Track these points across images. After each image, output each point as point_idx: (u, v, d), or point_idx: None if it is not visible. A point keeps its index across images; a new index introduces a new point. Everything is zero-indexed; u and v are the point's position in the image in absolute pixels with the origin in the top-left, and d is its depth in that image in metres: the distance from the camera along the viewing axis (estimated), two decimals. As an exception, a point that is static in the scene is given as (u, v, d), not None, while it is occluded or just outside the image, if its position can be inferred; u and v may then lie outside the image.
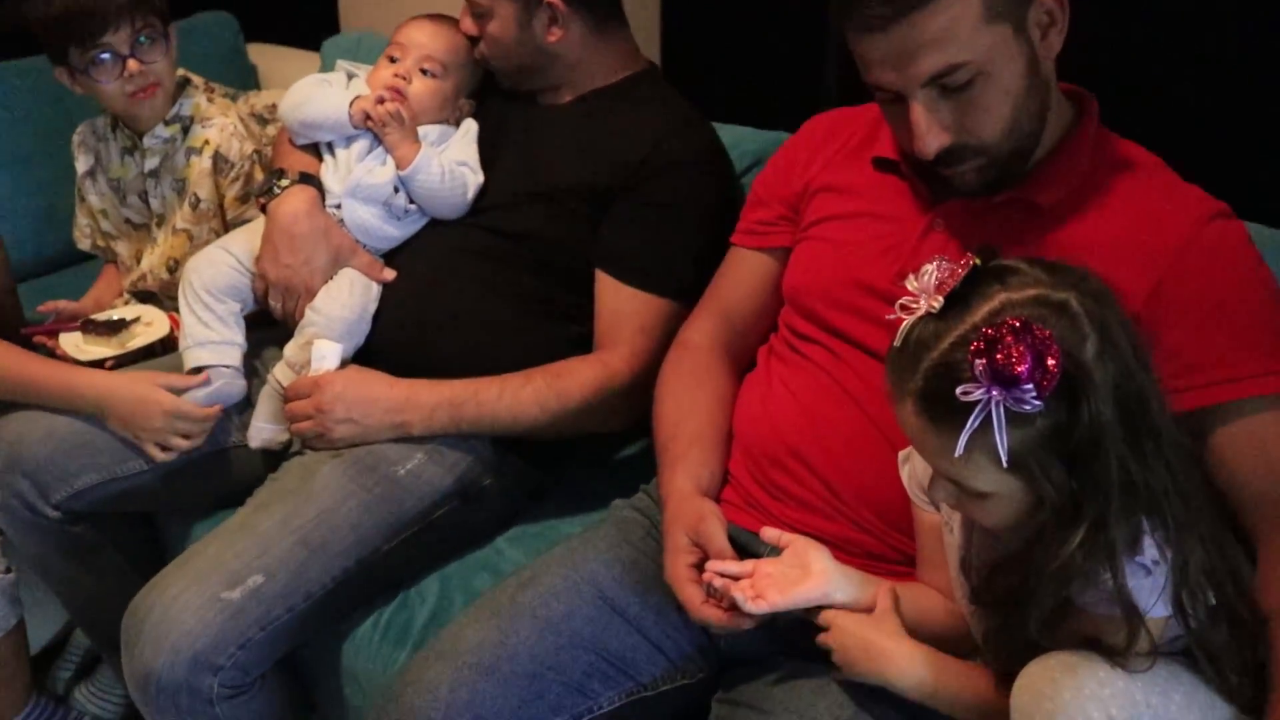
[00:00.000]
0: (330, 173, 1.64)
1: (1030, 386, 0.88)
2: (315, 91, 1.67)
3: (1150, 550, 0.95)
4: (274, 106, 2.00)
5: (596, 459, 1.70)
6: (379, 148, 1.63)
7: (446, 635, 1.23)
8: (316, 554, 1.37)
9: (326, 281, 1.58)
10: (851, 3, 1.12)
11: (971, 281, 0.95)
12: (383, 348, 1.57)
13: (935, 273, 0.97)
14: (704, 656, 1.28)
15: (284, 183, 1.60)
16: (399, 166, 1.59)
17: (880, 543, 1.22)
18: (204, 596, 1.31)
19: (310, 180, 1.61)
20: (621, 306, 1.54)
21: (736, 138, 1.72)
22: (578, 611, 1.24)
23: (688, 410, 1.37)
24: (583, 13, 1.60)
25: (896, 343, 0.99)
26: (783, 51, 2.66)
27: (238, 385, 1.59)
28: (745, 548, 1.25)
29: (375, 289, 1.59)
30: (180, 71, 1.85)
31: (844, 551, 1.21)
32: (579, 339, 1.58)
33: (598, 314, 1.56)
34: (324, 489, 1.43)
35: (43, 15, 1.68)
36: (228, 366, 1.58)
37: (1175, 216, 1.17)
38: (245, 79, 2.53)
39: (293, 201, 1.59)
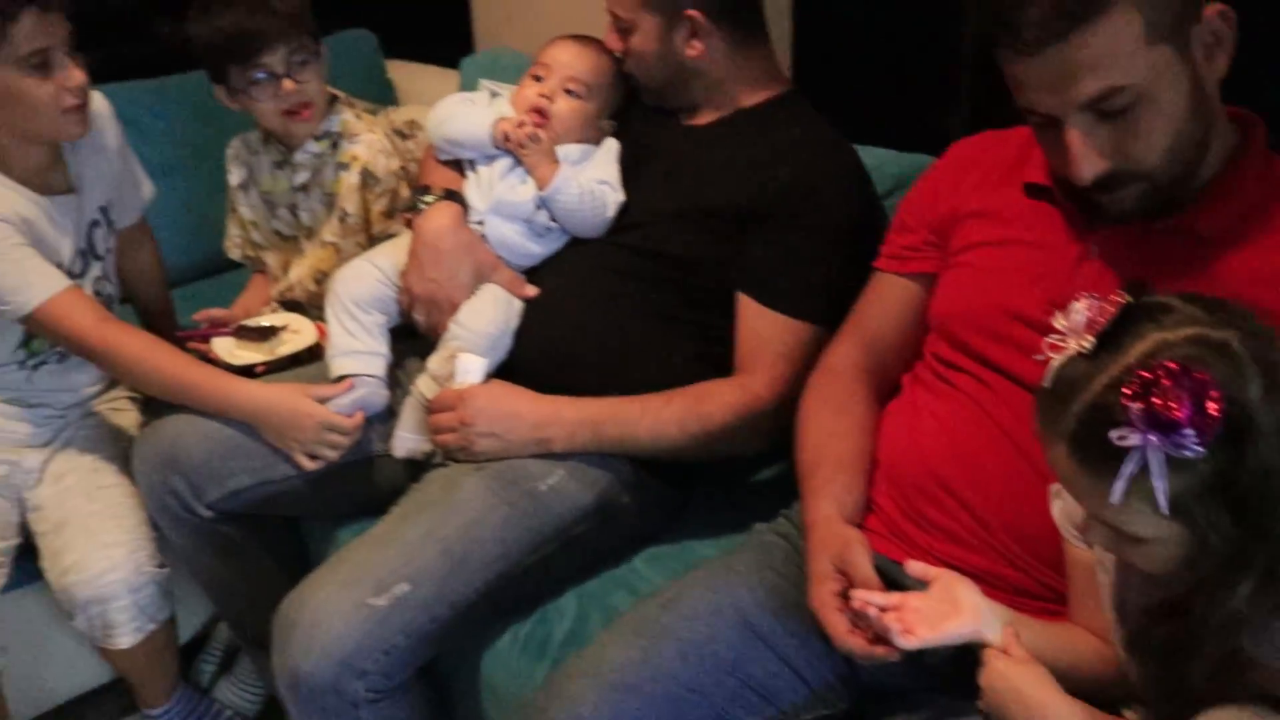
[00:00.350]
0: (473, 189, 1.67)
1: (1191, 432, 0.84)
2: (459, 109, 1.71)
3: None
4: (412, 122, 2.05)
5: (733, 481, 1.70)
6: (521, 166, 1.66)
7: (590, 652, 1.25)
8: (460, 565, 1.40)
9: (469, 296, 1.61)
10: (1005, 25, 1.09)
11: (1123, 320, 0.92)
12: (524, 363, 1.60)
13: (1085, 311, 0.94)
14: (845, 687, 1.27)
15: (429, 199, 1.64)
16: (539, 187, 1.62)
17: (1029, 578, 1.20)
18: (352, 602, 1.35)
19: (454, 197, 1.65)
20: (763, 330, 1.54)
21: (878, 160, 1.70)
22: (720, 635, 1.24)
23: (831, 436, 1.36)
24: (724, 28, 1.61)
25: (1046, 383, 0.96)
26: (915, 72, 2.63)
27: (381, 395, 1.64)
28: (889, 577, 1.23)
29: (517, 305, 1.62)
30: (328, 89, 1.91)
31: (991, 586, 1.19)
32: (717, 360, 1.58)
33: (739, 337, 1.56)
34: (468, 501, 1.45)
35: (205, 36, 1.75)
36: (372, 376, 1.62)
37: None
38: (384, 95, 2.59)
39: (438, 217, 1.62)
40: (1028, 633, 1.11)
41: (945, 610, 1.11)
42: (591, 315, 1.59)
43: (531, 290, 1.63)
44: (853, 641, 1.15)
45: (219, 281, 2.36)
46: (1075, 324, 0.94)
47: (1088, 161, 1.12)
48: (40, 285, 1.60)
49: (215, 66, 1.78)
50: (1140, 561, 0.98)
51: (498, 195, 1.64)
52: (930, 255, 1.40)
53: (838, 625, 1.16)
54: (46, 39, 1.54)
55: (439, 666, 1.50)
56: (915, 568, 1.16)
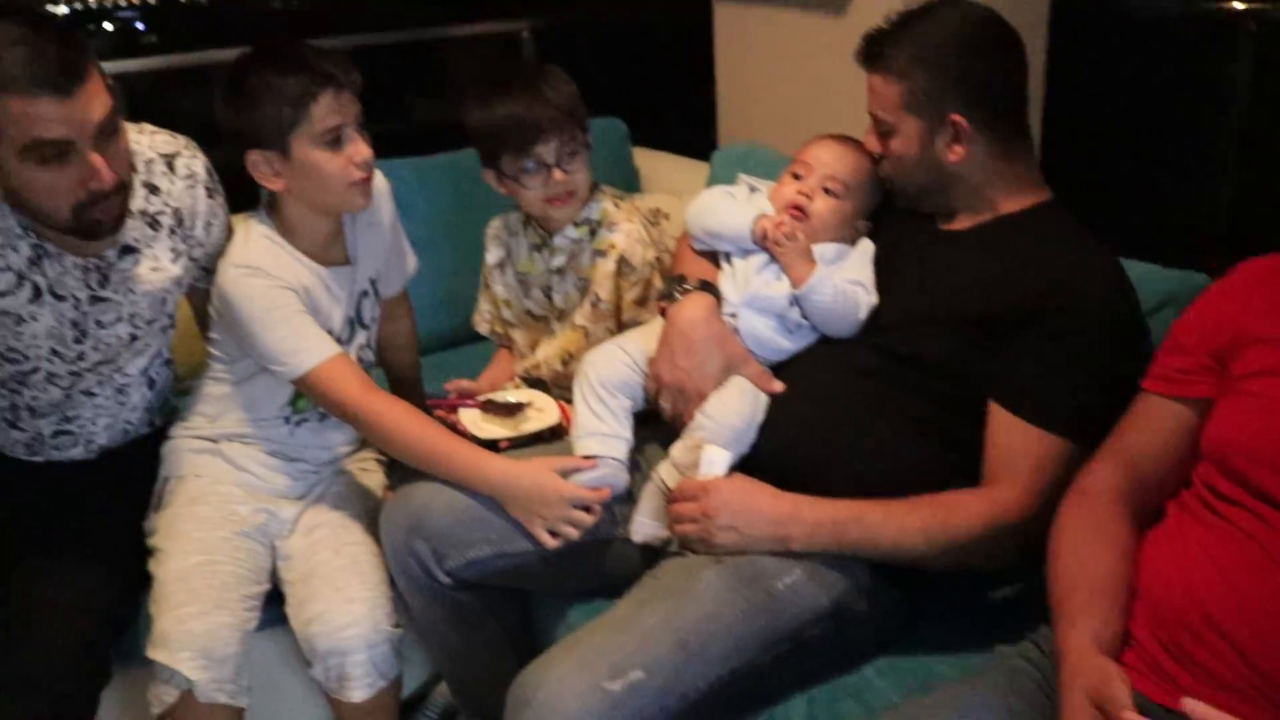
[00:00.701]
0: (728, 282, 1.70)
1: None
2: (721, 203, 1.74)
3: None
4: (657, 210, 2.11)
5: (972, 595, 1.65)
6: (777, 262, 1.68)
7: (825, 763, 1.22)
8: (695, 657, 1.40)
9: (717, 388, 1.63)
10: None
11: None
12: (766, 459, 1.60)
13: None
14: (1099, 830, 1.20)
15: (685, 288, 1.68)
16: (794, 285, 1.64)
17: (1311, 734, 1.12)
18: (587, 684, 1.36)
19: (710, 288, 1.68)
20: (1016, 442, 1.50)
21: (1144, 275, 1.64)
22: (964, 763, 1.20)
23: (1088, 562, 1.30)
24: (987, 133, 1.60)
25: None
26: (1169, 183, 2.55)
27: (622, 477, 1.67)
28: (1150, 718, 1.17)
29: (764, 399, 1.63)
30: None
31: (1268, 741, 1.12)
32: (962, 468, 1.54)
33: (990, 447, 1.53)
34: (705, 594, 1.46)
35: (483, 123, 1.86)
36: (615, 458, 1.66)
37: None
38: (629, 181, 2.68)
39: (692, 307, 1.65)
40: None
41: None
42: (837, 415, 1.58)
43: (778, 386, 1.64)
44: (1111, 784, 1.09)
45: (462, 352, 2.47)
46: None
47: None
48: (314, 350, 1.71)
49: (489, 152, 1.88)
50: None
51: (753, 289, 1.66)
52: (1207, 380, 1.34)
53: (1095, 765, 1.11)
54: (340, 117, 1.66)
55: (664, 758, 1.49)
56: (1195, 708, 1.08)
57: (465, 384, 1.98)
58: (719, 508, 1.51)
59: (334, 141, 1.67)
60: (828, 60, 2.47)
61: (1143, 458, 1.38)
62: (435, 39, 3.69)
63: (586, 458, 1.65)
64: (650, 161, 2.77)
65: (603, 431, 1.67)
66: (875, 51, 1.63)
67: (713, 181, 2.38)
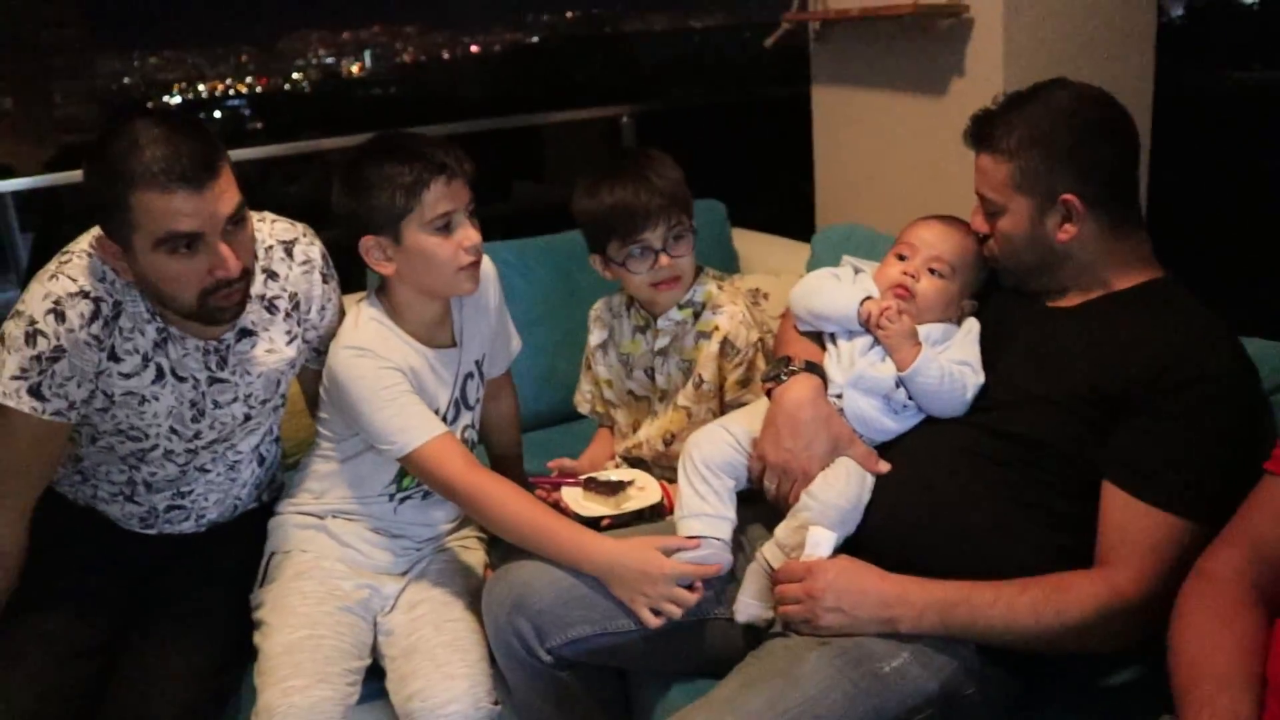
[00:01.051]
0: (834, 363, 1.70)
1: None
2: (827, 285, 1.75)
3: None
4: (757, 290, 2.12)
5: (1088, 680, 1.59)
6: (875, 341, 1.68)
7: None
8: (800, 741, 1.38)
9: (822, 468, 1.62)
10: None
11: None
12: (871, 539, 1.58)
13: None
14: None
15: (791, 370, 1.68)
16: (899, 367, 1.63)
17: None
18: (693, 763, 1.35)
19: (815, 369, 1.68)
20: (1132, 523, 1.46)
21: (1263, 351, 1.60)
22: None
23: (1213, 649, 1.25)
24: (1099, 212, 1.59)
25: None
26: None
27: (725, 558, 1.66)
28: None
29: (870, 480, 1.61)
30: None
31: None
32: (1071, 551, 1.50)
33: (1103, 527, 1.49)
34: (810, 676, 1.43)
35: (591, 210, 1.90)
36: (718, 539, 1.65)
37: None
38: (729, 262, 2.70)
39: (799, 389, 1.66)
40: None
41: None
42: (943, 495, 1.56)
43: (885, 467, 1.63)
44: None
45: (562, 431, 2.49)
46: None
47: None
48: (420, 429, 1.74)
49: (596, 239, 1.92)
50: None
51: (859, 370, 1.66)
52: (1333, 462, 1.29)
53: None
54: (451, 203, 1.71)
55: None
56: None
57: (567, 463, 2.00)
58: (825, 589, 1.49)
59: (444, 228, 1.72)
60: (927, 142, 2.49)
61: (1268, 542, 1.33)
62: (538, 125, 3.79)
63: (690, 538, 1.65)
64: (749, 243, 2.79)
65: (706, 512, 1.66)
66: (985, 132, 1.64)
67: (813, 262, 2.39)
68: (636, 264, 1.88)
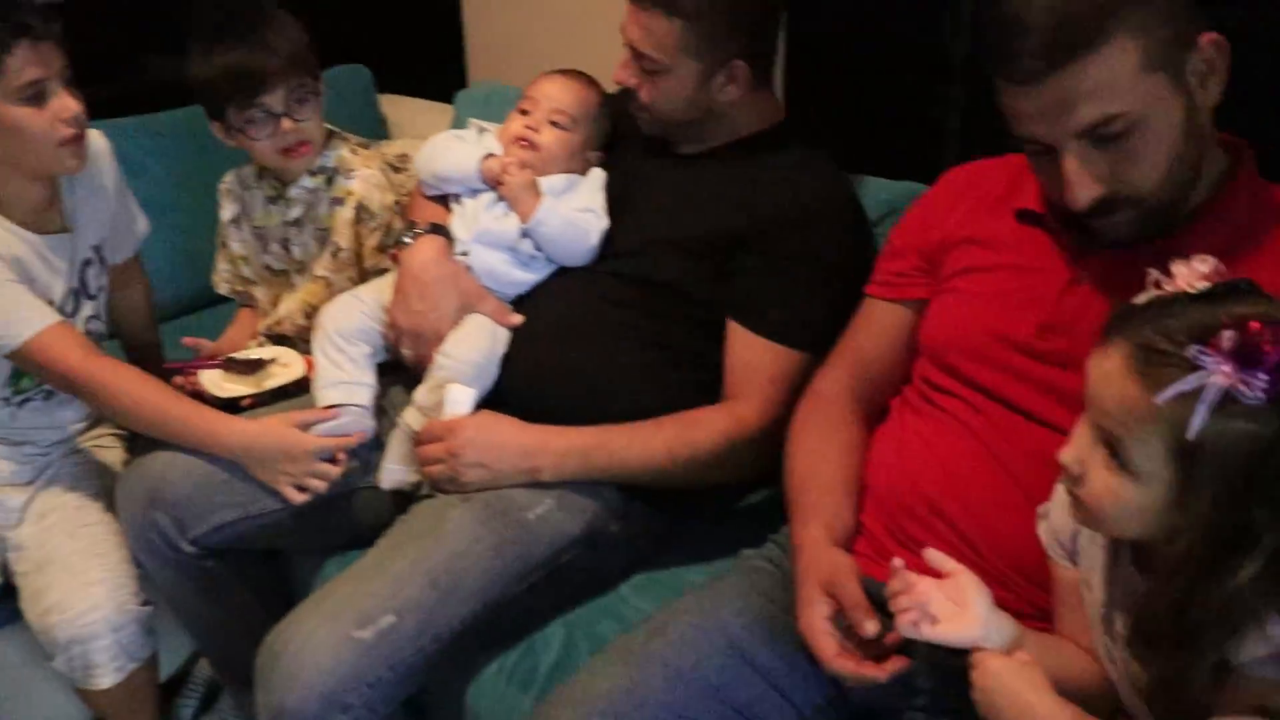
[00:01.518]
0: (458, 222, 1.67)
1: (1264, 377, 0.85)
2: (448, 146, 1.72)
3: None
4: (404, 156, 2.05)
5: (721, 507, 1.69)
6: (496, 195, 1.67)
7: (576, 682, 1.23)
8: (446, 596, 1.38)
9: (455, 327, 1.60)
10: (1002, 56, 1.10)
11: (1234, 288, 0.93)
12: (512, 393, 1.59)
13: (1206, 269, 0.94)
14: (834, 709, 1.25)
15: (415, 232, 1.65)
16: (521, 219, 1.63)
17: (1017, 598, 1.19)
18: (337, 635, 1.33)
19: (440, 230, 1.65)
20: (754, 358, 1.53)
21: (869, 188, 1.71)
22: (708, 661, 1.22)
23: (820, 461, 1.35)
24: (754, 70, 1.60)
25: (1138, 300, 0.96)
26: (904, 101, 2.65)
27: (366, 424, 1.62)
28: (878, 600, 1.22)
29: (503, 333, 1.61)
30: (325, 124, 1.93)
31: (983, 609, 1.19)
32: (705, 386, 1.57)
33: (728, 364, 1.56)
34: (455, 532, 1.44)
35: (204, 74, 1.75)
36: (357, 405, 1.61)
37: None
38: (376, 129, 2.61)
39: (422, 250, 1.63)
40: (1024, 645, 1.10)
41: (951, 611, 1.09)
42: (580, 343, 1.59)
43: (516, 319, 1.63)
44: (841, 664, 1.14)
45: (207, 315, 2.36)
46: (1194, 269, 0.95)
47: (1084, 188, 1.13)
48: (29, 320, 1.59)
49: (213, 105, 1.78)
50: (1106, 501, 0.96)
51: (482, 225, 1.64)
52: (921, 281, 1.40)
53: (826, 648, 1.16)
54: (41, 70, 1.53)
55: (425, 699, 1.48)
56: (935, 557, 1.13)
57: (205, 344, 1.88)
58: (465, 445, 1.49)
59: (35, 97, 1.54)
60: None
61: (869, 359, 1.44)
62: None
63: (328, 408, 1.60)
64: (396, 108, 2.70)
65: (343, 380, 1.62)
66: None
67: (457, 123, 2.33)
68: (258, 130, 1.76)
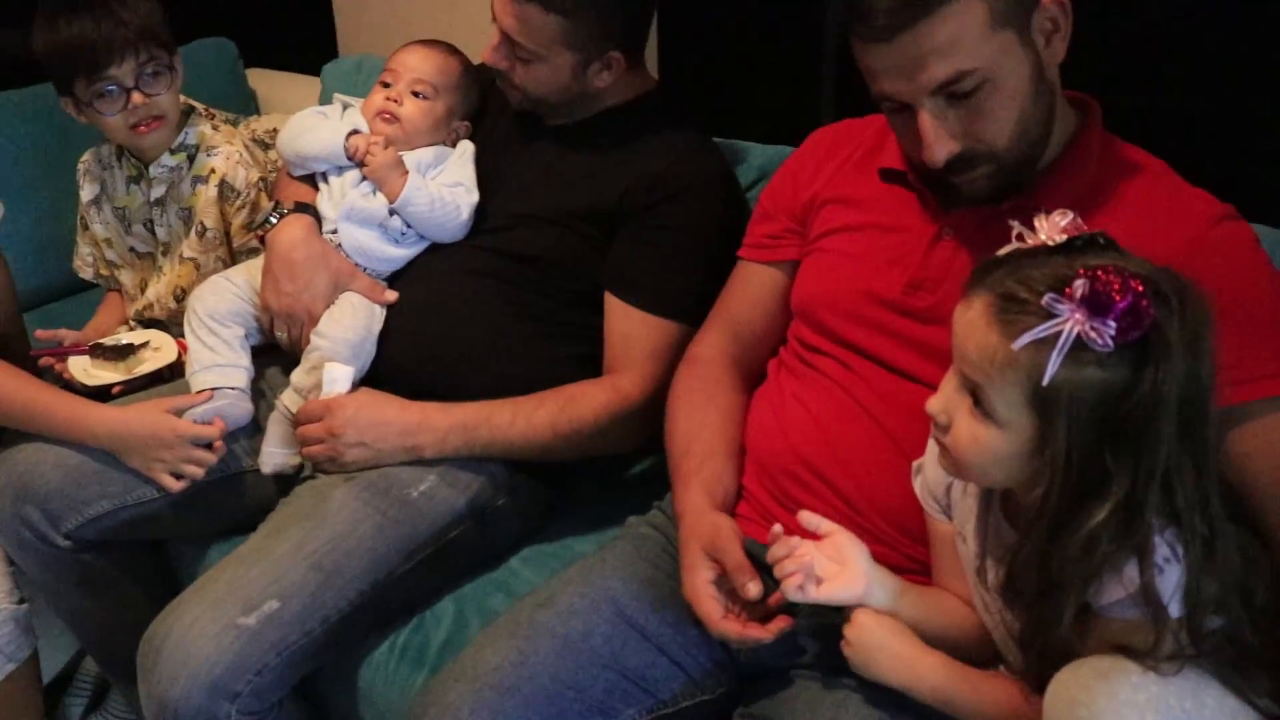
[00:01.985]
0: (325, 200, 1.65)
1: (1113, 324, 0.88)
2: (310, 124, 1.68)
3: (1161, 548, 0.94)
4: (274, 131, 2.00)
5: (609, 477, 1.70)
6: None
7: (465, 657, 1.23)
8: (331, 578, 1.37)
9: (327, 307, 1.58)
10: (857, 13, 1.13)
11: (1093, 241, 0.96)
12: (391, 371, 1.57)
13: (1065, 223, 0.98)
14: (723, 671, 1.27)
15: (280, 212, 1.62)
16: (389, 199, 1.60)
17: (896, 553, 1.22)
18: (220, 623, 1.31)
19: (306, 209, 1.63)
20: (632, 330, 1.54)
21: (741, 152, 1.72)
22: (596, 630, 1.23)
23: (699, 426, 1.37)
24: (629, 55, 1.60)
25: (999, 254, 0.99)
26: (779, 65, 2.67)
27: (243, 406, 1.59)
28: (761, 562, 1.25)
29: (378, 310, 1.60)
30: (184, 99, 1.86)
31: (862, 564, 1.22)
32: (585, 359, 1.58)
33: (607, 337, 1.56)
34: (337, 513, 1.42)
35: (49, 46, 1.68)
36: (233, 388, 1.58)
37: (1182, 219, 1.17)
38: (245, 104, 2.53)
39: (289, 230, 1.60)
40: (905, 599, 1.13)
41: (833, 570, 1.12)
42: (457, 319, 1.58)
43: (391, 295, 1.61)
44: (726, 626, 1.16)
45: (75, 300, 2.28)
46: (1054, 223, 0.98)
47: (940, 144, 1.16)
48: None
49: (61, 79, 1.71)
50: (972, 450, 0.99)
51: (349, 202, 1.61)
52: (792, 242, 1.42)
53: (711, 612, 1.17)
54: None
55: (316, 681, 1.46)
56: (809, 519, 1.16)
57: (66, 334, 1.81)
58: (345, 424, 1.47)
59: None
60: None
61: (745, 322, 1.46)
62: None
63: (202, 392, 1.57)
64: (265, 81, 2.62)
65: (218, 363, 1.59)
66: None
67: (324, 96, 2.28)
68: (107, 104, 1.70)
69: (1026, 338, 0.91)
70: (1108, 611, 0.97)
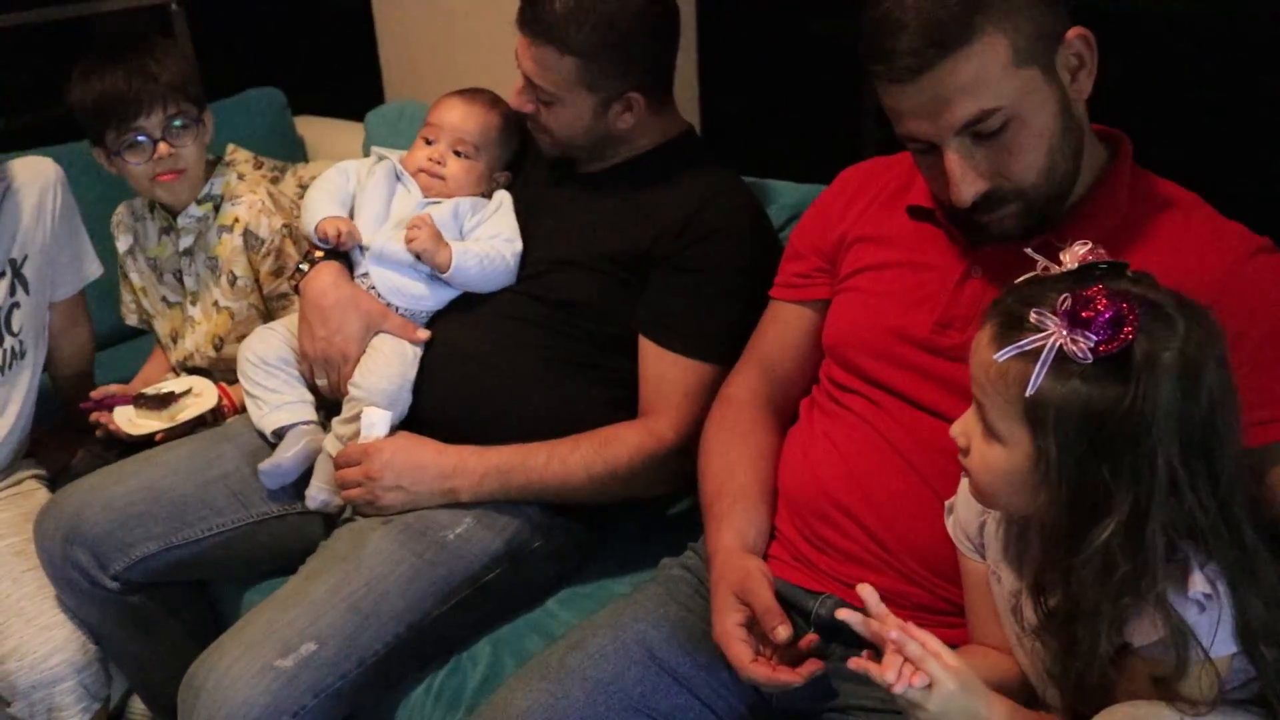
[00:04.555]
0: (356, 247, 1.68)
1: (1091, 336, 0.89)
2: (318, 205, 1.68)
3: (1201, 584, 0.92)
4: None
5: (647, 518, 1.70)
6: (392, 217, 1.67)
7: (497, 700, 1.23)
8: (368, 620, 1.38)
9: (362, 349, 1.61)
10: (880, 55, 1.13)
11: (1111, 268, 0.97)
12: (428, 415, 1.59)
13: (1084, 251, 0.99)
14: (755, 715, 1.26)
15: (311, 259, 1.66)
16: (440, 272, 1.61)
17: (929, 594, 1.21)
18: (257, 665, 1.32)
19: (335, 256, 1.66)
20: (666, 372, 1.54)
21: (774, 192, 1.73)
22: (627, 672, 1.23)
23: (732, 466, 1.37)
24: (653, 97, 1.61)
25: (1018, 281, 1.01)
26: (821, 106, 2.68)
27: (321, 439, 1.63)
28: (793, 604, 1.25)
29: (412, 355, 1.61)
30: (230, 148, 1.92)
31: (893, 605, 1.18)
32: (620, 402, 1.58)
33: (642, 380, 1.57)
34: (374, 555, 1.44)
35: (84, 98, 1.75)
36: (307, 422, 1.63)
37: (1216, 253, 1.16)
38: (293, 151, 2.58)
39: (319, 278, 1.63)
40: None
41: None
42: (493, 363, 1.59)
43: (423, 334, 1.63)
44: (756, 670, 1.15)
45: (126, 348, 2.32)
46: (1075, 254, 0.99)
47: (967, 183, 1.15)
48: None
49: (93, 129, 1.78)
50: (981, 470, 1.00)
51: (377, 246, 1.64)
52: (822, 281, 1.42)
53: (741, 655, 1.17)
54: None
55: (354, 722, 1.47)
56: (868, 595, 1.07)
57: (113, 389, 1.86)
58: (382, 468, 1.49)
59: None
60: (489, 11, 2.45)
61: (778, 362, 1.46)
62: (77, 16, 3.43)
63: (279, 432, 1.62)
64: (312, 128, 2.67)
65: (286, 401, 1.64)
66: (548, 22, 1.52)
67: (368, 142, 2.33)
68: (134, 154, 1.75)
69: (1008, 350, 0.93)
70: (1148, 653, 0.95)
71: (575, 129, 1.61)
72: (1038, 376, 0.91)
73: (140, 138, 1.74)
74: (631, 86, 1.57)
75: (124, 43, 1.78)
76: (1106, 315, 0.89)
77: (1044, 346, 0.91)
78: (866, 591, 1.06)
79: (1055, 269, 0.99)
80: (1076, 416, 0.91)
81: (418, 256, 1.61)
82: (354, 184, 1.72)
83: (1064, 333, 0.91)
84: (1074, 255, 0.98)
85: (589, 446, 1.52)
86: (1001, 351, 0.93)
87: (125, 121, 1.73)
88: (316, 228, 1.65)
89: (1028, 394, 0.91)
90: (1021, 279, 1.00)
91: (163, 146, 1.75)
